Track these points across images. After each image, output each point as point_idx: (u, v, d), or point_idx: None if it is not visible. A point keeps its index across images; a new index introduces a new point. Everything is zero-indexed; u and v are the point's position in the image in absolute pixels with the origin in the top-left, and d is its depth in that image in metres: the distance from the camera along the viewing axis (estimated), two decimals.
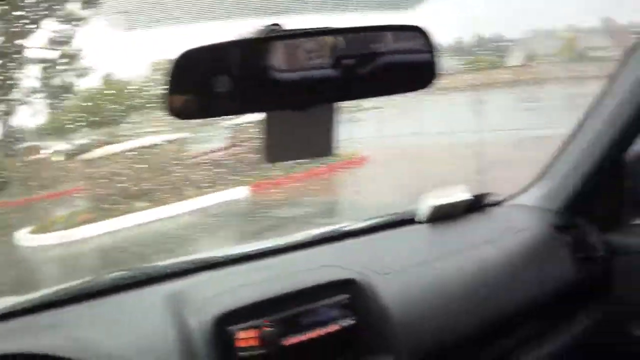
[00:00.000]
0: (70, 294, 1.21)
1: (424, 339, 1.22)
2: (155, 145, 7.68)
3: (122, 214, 6.66)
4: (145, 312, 1.15)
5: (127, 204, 6.95)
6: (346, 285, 1.18)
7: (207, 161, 8.17)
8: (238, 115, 0.90)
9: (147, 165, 7.38)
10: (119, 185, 7.10)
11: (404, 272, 1.30)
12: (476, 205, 1.65)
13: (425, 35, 0.86)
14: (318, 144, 0.91)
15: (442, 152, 7.31)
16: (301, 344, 1.09)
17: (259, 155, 0.88)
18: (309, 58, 0.83)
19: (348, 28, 0.85)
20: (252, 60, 0.80)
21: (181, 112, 0.79)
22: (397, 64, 0.87)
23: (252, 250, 1.35)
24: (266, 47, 0.81)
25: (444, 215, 1.56)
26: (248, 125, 7.20)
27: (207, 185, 7.54)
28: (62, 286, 1.25)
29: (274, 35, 0.82)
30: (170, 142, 7.78)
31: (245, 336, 1.06)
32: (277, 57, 0.81)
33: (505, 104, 8.82)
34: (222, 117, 0.86)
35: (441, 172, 5.68)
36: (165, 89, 0.77)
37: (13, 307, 1.17)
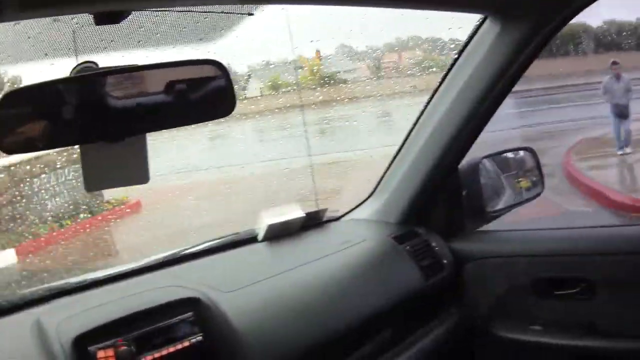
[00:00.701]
0: None
1: (270, 352, 1.28)
2: None
3: None
4: (12, 339, 1.16)
5: None
6: (190, 303, 1.23)
7: None
8: (58, 147, 0.97)
9: None
10: None
11: (245, 289, 1.37)
12: (313, 221, 1.76)
13: (222, 67, 0.97)
14: (133, 171, 1.00)
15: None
16: None
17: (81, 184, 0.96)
18: (121, 92, 0.92)
19: (155, 64, 0.94)
20: (69, 97, 0.89)
21: (10, 148, 0.87)
22: (200, 94, 0.99)
23: (104, 275, 1.38)
24: (81, 84, 0.92)
25: (281, 232, 1.66)
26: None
27: None
28: None
29: (88, 73, 0.92)
30: None
31: (104, 355, 1.08)
32: (92, 93, 0.91)
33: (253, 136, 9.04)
34: (47, 149, 0.94)
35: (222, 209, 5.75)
36: None
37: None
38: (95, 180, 0.98)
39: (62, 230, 6.26)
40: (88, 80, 0.94)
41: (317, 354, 1.34)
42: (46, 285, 1.35)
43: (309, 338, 1.34)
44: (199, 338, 1.19)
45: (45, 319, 1.17)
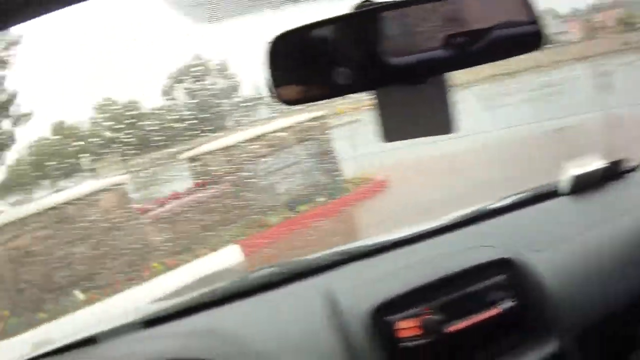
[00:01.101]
0: (220, 295, 1.23)
1: (581, 314, 1.15)
2: (84, 197, 5.65)
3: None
4: (299, 308, 1.15)
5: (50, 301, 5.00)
6: (501, 265, 1.14)
7: (166, 215, 5.90)
8: (349, 95, 0.85)
9: (71, 234, 5.35)
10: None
11: (554, 247, 1.24)
12: (613, 172, 1.56)
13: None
14: (436, 121, 0.87)
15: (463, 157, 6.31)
16: (463, 330, 1.05)
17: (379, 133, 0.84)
18: (411, 29, 0.80)
19: None
20: (353, 37, 0.78)
21: (291, 99, 0.77)
22: (502, 29, 0.83)
23: (398, 238, 1.32)
24: (364, 22, 0.79)
25: (585, 185, 1.49)
26: (212, 154, 5.92)
27: (177, 251, 5.56)
28: (211, 288, 1.27)
29: (370, 8, 0.79)
30: (105, 190, 5.75)
31: (406, 326, 1.03)
32: (378, 31, 0.78)
33: None
34: (333, 98, 0.82)
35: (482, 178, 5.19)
36: (267, 78, 0.75)
37: (163, 311, 1.21)
38: (394, 130, 0.87)
39: (297, 217, 5.61)
40: (376, 13, 0.80)
41: (626, 315, 1.19)
42: (336, 249, 1.31)
43: (622, 298, 1.20)
44: (512, 303, 1.10)
45: (337, 285, 1.14)
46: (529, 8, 0.83)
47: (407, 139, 0.88)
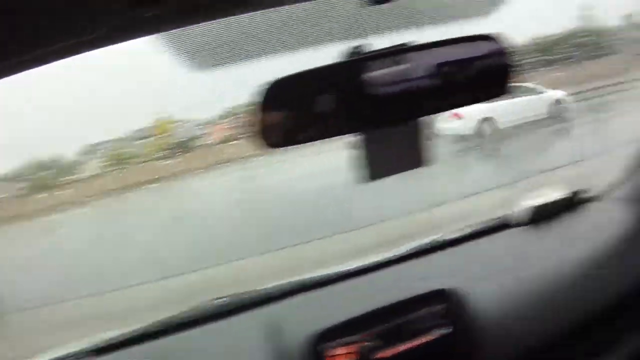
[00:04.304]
0: (169, 324, 1.26)
1: (518, 343, 1.20)
2: None
3: None
4: (244, 338, 1.18)
5: None
6: (441, 296, 1.19)
7: None
8: (333, 138, 0.89)
9: None
10: None
11: (501, 279, 1.29)
12: (571, 203, 1.60)
13: (497, 42, 0.89)
14: (412, 156, 0.94)
15: None
16: (397, 355, 1.10)
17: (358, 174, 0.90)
18: (395, 76, 0.86)
19: (427, 43, 0.88)
20: (342, 83, 0.84)
21: (277, 142, 0.82)
22: (474, 73, 0.90)
23: (344, 271, 1.36)
24: (352, 69, 0.85)
25: (542, 216, 1.53)
26: None
27: None
28: (161, 317, 1.29)
29: (359, 58, 0.86)
30: None
31: (340, 352, 1.07)
32: (364, 78, 0.84)
33: None
34: (318, 140, 0.87)
35: None
36: (258, 122, 0.79)
37: (113, 339, 1.23)
38: (378, 168, 0.93)
39: None
40: (358, 64, 0.87)
41: (565, 342, 1.25)
42: (281, 282, 1.35)
43: (565, 329, 1.24)
44: (447, 331, 1.15)
45: (281, 316, 1.19)
46: (502, 56, 0.90)
47: (389, 175, 0.93)
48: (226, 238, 5.48)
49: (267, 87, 0.80)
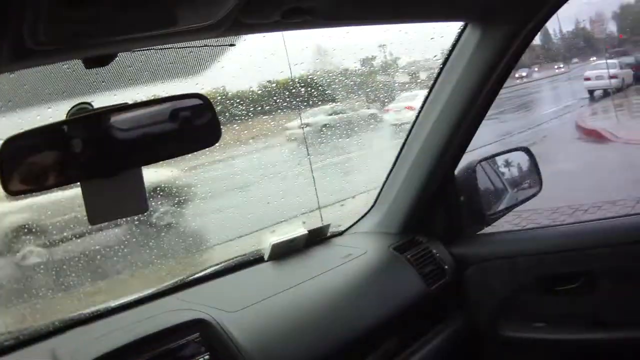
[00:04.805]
0: None
1: None
2: None
3: None
4: None
5: None
6: (196, 324, 1.28)
7: None
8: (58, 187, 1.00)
9: None
10: None
11: (251, 307, 1.41)
12: (317, 237, 1.80)
13: (206, 100, 1.04)
14: (133, 203, 1.05)
15: None
16: None
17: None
18: (114, 130, 0.98)
19: (143, 102, 1.01)
20: (66, 138, 0.94)
21: (13, 191, 0.91)
22: (187, 126, 1.04)
23: (116, 305, 1.43)
24: (77, 125, 0.97)
25: (286, 250, 1.71)
26: None
27: None
28: None
29: (82, 115, 0.97)
30: None
31: None
32: (87, 132, 0.96)
33: None
34: (48, 189, 0.98)
35: None
36: None
37: None
38: (97, 214, 1.02)
39: None
40: (82, 121, 0.99)
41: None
42: (62, 317, 1.40)
43: (316, 352, 1.37)
44: (206, 357, 1.24)
45: (59, 349, 1.22)
46: (210, 109, 1.05)
47: (109, 220, 1.06)
48: None
49: (5, 141, 0.90)
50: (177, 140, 1.05)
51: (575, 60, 17.80)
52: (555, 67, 18.63)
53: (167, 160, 1.08)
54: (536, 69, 18.82)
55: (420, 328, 1.66)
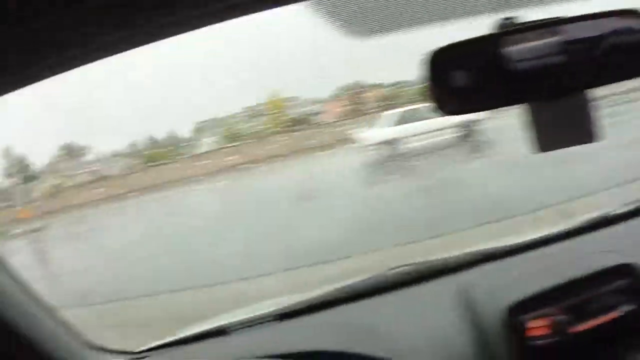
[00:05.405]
0: (355, 291, 1.27)
1: None
2: None
3: None
4: (435, 305, 1.20)
5: None
6: (623, 270, 1.17)
7: None
8: (500, 109, 0.92)
9: None
10: None
11: None
12: None
13: None
14: (581, 130, 0.93)
15: None
16: (587, 331, 1.10)
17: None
18: (551, 48, 0.86)
19: (577, 16, 0.87)
20: (504, 54, 0.84)
21: (446, 109, 0.84)
22: (628, 48, 0.88)
23: (529, 241, 1.37)
24: (509, 40, 0.85)
25: None
26: None
27: None
28: (346, 284, 1.31)
29: (516, 28, 0.86)
30: None
31: (537, 325, 1.08)
32: (523, 49, 0.85)
33: None
34: (486, 110, 0.93)
35: None
36: (427, 87, 0.82)
37: (297, 304, 1.26)
38: (547, 140, 0.93)
39: None
40: (516, 36, 0.87)
41: None
42: (469, 250, 1.36)
43: None
44: (632, 307, 1.14)
45: (472, 285, 1.19)
46: None
47: (559, 148, 0.93)
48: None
49: (431, 56, 0.82)
50: (618, 63, 0.88)
51: None
52: None
53: None
54: None
55: None
